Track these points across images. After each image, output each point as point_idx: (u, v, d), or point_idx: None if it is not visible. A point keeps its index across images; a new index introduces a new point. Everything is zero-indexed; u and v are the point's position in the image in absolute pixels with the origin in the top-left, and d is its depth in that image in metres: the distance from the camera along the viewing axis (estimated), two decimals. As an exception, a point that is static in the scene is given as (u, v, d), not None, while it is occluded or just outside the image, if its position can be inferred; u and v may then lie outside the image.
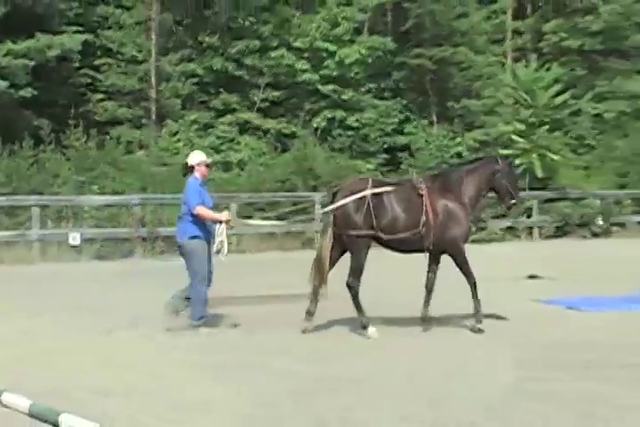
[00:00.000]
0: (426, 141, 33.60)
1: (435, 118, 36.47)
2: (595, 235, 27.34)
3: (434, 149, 32.88)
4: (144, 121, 32.01)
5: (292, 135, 32.83)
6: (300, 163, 27.88)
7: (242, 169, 30.28)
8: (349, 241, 10.65)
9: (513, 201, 11.54)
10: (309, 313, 10.88)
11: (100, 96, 31.90)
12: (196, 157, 11.02)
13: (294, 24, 34.23)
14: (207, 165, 11.04)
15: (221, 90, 33.50)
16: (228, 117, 32.97)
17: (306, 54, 33.80)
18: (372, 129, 34.31)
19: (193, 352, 9.51)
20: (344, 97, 33.72)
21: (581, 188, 28.85)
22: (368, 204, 10.52)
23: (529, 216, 27.41)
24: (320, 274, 10.76)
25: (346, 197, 10.62)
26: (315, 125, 33.50)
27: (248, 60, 33.24)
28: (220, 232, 10.82)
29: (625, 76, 37.09)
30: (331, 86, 33.64)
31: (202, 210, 10.65)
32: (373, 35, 35.58)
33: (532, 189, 27.86)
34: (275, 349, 9.70)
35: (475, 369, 8.71)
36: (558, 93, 30.46)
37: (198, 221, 10.69)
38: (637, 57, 38.15)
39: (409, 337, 10.50)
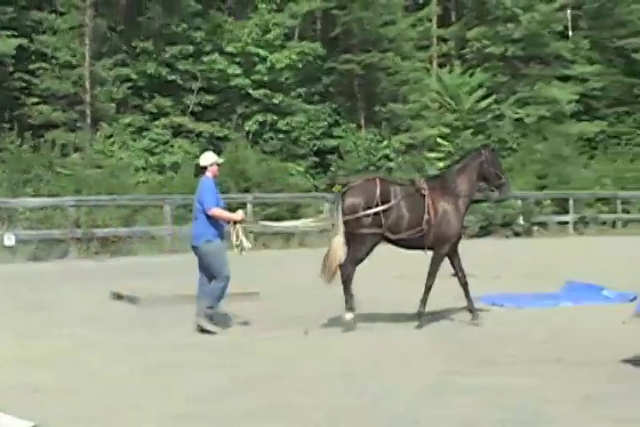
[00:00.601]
0: (354, 144, 34.28)
1: (363, 122, 37.20)
2: (516, 234, 28.11)
3: (362, 152, 33.59)
4: (79, 124, 32.19)
5: (225, 138, 33.29)
6: (233, 165, 28.25)
7: (175, 171, 30.63)
8: (358, 238, 10.86)
9: (502, 180, 11.88)
10: (350, 309, 10.93)
11: (34, 100, 32.03)
12: (209, 158, 10.91)
13: (226, 30, 34.76)
14: (218, 165, 11.01)
15: (155, 94, 33.89)
16: (162, 121, 33.38)
17: (238, 59, 34.34)
18: (302, 132, 34.90)
19: (132, 352, 9.51)
20: (275, 101, 34.30)
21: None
22: (377, 202, 10.78)
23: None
24: (330, 271, 10.89)
25: (355, 196, 10.85)
26: (247, 129, 34.02)
27: (181, 65, 33.72)
28: (237, 232, 10.88)
29: (545, 82, 38.31)
30: (262, 91, 34.22)
31: (217, 211, 10.65)
32: (304, 40, 36.30)
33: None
34: (207, 347, 9.76)
35: (401, 364, 8.90)
36: (482, 98, 31.41)
37: (213, 221, 10.67)
38: (557, 63, 39.40)
39: (339, 334, 10.66)
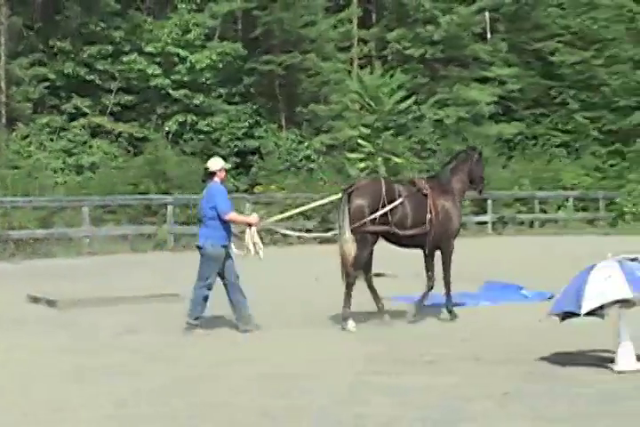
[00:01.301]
0: (275, 145, 34.31)
1: (284, 123, 37.20)
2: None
3: (283, 153, 33.63)
4: (-6, 124, 31.71)
5: (145, 139, 32.97)
6: (153, 166, 28.10)
7: (94, 172, 30.30)
8: (360, 236, 11.06)
9: (483, 182, 12.64)
10: (346, 306, 11.23)
11: (-52, 99, 31.46)
12: (218, 163, 11.06)
13: (146, 29, 34.45)
14: (225, 170, 11.21)
15: (73, 94, 33.42)
16: (80, 121, 32.95)
17: (158, 59, 34.05)
18: (222, 133, 34.75)
19: (57, 355, 9.43)
20: (195, 101, 34.10)
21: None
22: (383, 202, 11.08)
23: (374, 217, 28.35)
24: (350, 270, 11.15)
25: (361, 196, 11.12)
26: (167, 129, 33.78)
27: (100, 65, 33.33)
28: (252, 235, 11.00)
29: (464, 84, 38.75)
30: (182, 91, 33.99)
31: (233, 215, 10.89)
32: (224, 41, 36.10)
33: (376, 191, 28.77)
34: (133, 349, 9.72)
35: (323, 364, 9.00)
36: (402, 99, 31.61)
37: (225, 226, 10.79)
38: (475, 65, 39.89)
39: (268, 334, 10.75)
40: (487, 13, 40.46)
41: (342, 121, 34.08)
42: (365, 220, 10.99)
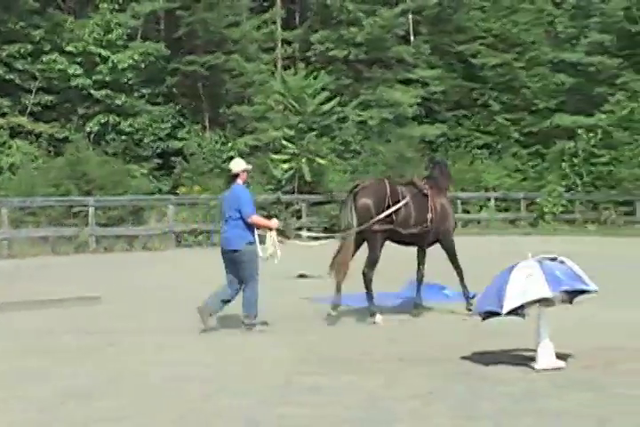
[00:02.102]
0: (199, 146, 34.09)
1: (207, 124, 37.04)
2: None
3: (207, 154, 33.45)
4: None
5: (66, 139, 32.51)
6: (74, 167, 27.74)
7: (13, 173, 29.78)
8: (369, 236, 11.50)
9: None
10: (335, 306, 11.66)
11: None
12: (240, 165, 11.17)
13: (67, 29, 33.97)
14: (247, 172, 11.29)
15: (-9, 93, 32.86)
16: (-1, 121, 32.42)
17: (79, 59, 33.57)
18: (145, 134, 34.43)
19: None
20: (117, 102, 33.70)
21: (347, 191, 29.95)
22: (388, 202, 11.50)
23: (299, 218, 28.39)
24: (343, 268, 11.57)
25: (367, 196, 11.48)
26: (88, 130, 33.32)
27: (19, 64, 32.77)
28: (272, 239, 11.04)
29: (387, 85, 38.98)
30: (104, 91, 33.57)
31: (256, 218, 10.95)
32: (147, 41, 35.77)
33: (300, 192, 28.83)
34: (55, 353, 9.62)
35: (249, 365, 9.01)
36: (325, 101, 31.67)
37: (250, 226, 10.87)
38: (399, 67, 40.15)
39: (196, 336, 10.79)
40: (410, 16, 40.78)
41: (266, 122, 34.02)
42: (374, 220, 11.38)
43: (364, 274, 11.70)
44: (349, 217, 11.55)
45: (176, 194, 29.10)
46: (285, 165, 29.20)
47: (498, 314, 8.59)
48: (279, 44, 40.40)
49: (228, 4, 37.12)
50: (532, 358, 8.65)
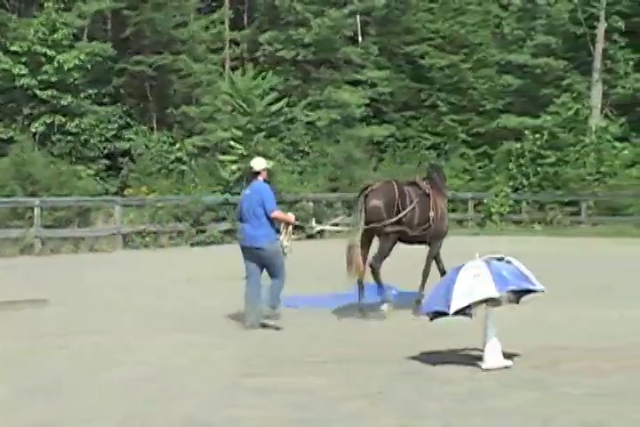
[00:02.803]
0: (146, 147, 33.88)
1: (155, 124, 36.82)
2: (309, 236, 28.46)
3: (154, 155, 33.25)
4: None
5: (10, 140, 32.01)
6: (19, 168, 27.35)
7: (-42, 175, 29.32)
8: (383, 237, 12.12)
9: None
10: (384, 301, 12.08)
11: None
12: (262, 163, 11.58)
13: (11, 28, 33.53)
14: (268, 170, 11.79)
15: None
16: (-59, 122, 31.93)
17: (24, 59, 33.12)
18: (92, 134, 34.07)
19: None
20: (63, 102, 33.29)
21: (295, 191, 29.98)
22: (397, 204, 12.04)
23: (247, 219, 28.27)
24: (357, 267, 11.87)
25: (377, 198, 11.99)
26: (33, 130, 32.89)
27: (-39, 64, 32.34)
28: (288, 233, 11.52)
29: (335, 86, 39.03)
30: (49, 91, 33.15)
31: (279, 213, 11.35)
32: (93, 41, 35.47)
33: (249, 193, 28.68)
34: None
35: (197, 366, 9.00)
36: (274, 101, 31.64)
37: (272, 223, 11.23)
38: (347, 68, 40.22)
39: (143, 338, 10.65)
40: (358, 17, 40.83)
41: (214, 123, 33.90)
42: (386, 222, 11.92)
43: (371, 266, 12.08)
44: (359, 218, 12.02)
45: (123, 195, 28.87)
46: (234, 166, 29.07)
47: (445, 314, 8.63)
48: (227, 45, 40.28)
49: (175, 5, 36.94)
50: (480, 358, 8.69)
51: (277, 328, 11.14)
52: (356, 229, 11.99)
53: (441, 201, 12.92)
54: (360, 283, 12.08)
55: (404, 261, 13.30)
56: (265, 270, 11.39)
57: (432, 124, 40.26)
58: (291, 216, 11.71)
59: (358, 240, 11.93)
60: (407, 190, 12.34)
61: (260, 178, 11.48)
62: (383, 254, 12.15)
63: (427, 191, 12.58)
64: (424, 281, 12.59)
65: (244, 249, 11.30)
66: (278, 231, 11.44)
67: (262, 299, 11.30)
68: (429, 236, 12.64)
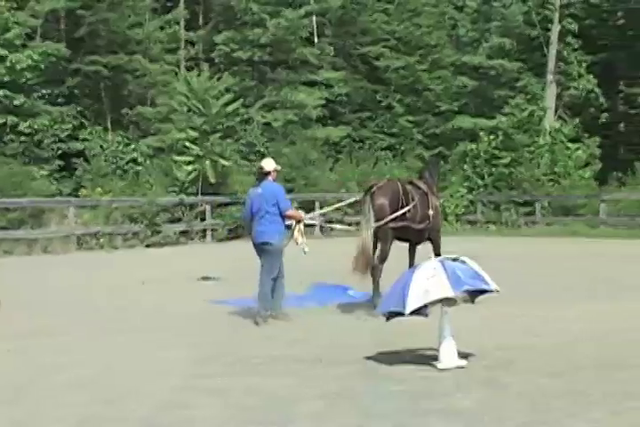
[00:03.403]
0: (101, 148, 33.58)
1: (110, 125, 36.53)
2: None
3: (109, 156, 32.98)
4: None
5: (-38, 141, 31.73)
6: (-29, 169, 27.10)
7: None
8: (382, 233, 12.37)
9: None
10: (377, 298, 12.00)
11: None
12: (271, 164, 11.99)
13: (-38, 27, 33.11)
14: (277, 171, 12.08)
15: None
16: None
17: (-26, 59, 32.77)
18: (45, 135, 33.71)
19: None
20: (16, 102, 32.89)
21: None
22: (402, 201, 12.46)
23: (202, 220, 28.19)
24: (366, 262, 12.15)
25: (385, 195, 12.39)
26: (-15, 131, 32.56)
27: None
28: (300, 230, 12.05)
29: (291, 87, 39.03)
30: (1, 91, 32.69)
31: (292, 211, 12.01)
32: (47, 40, 35.08)
33: (204, 194, 28.60)
34: None
35: (150, 367, 8.96)
36: (229, 102, 31.51)
37: (283, 220, 11.73)
38: (303, 69, 40.22)
39: (97, 340, 10.62)
40: (314, 17, 40.88)
41: (170, 123, 33.66)
42: (389, 218, 12.29)
43: (373, 268, 12.34)
44: (367, 216, 12.36)
45: (77, 196, 28.61)
46: (189, 167, 28.93)
47: (401, 314, 8.64)
48: (182, 45, 40.14)
49: (130, 4, 36.68)
50: (435, 358, 8.71)
51: (257, 323, 11.55)
52: (367, 228, 12.29)
53: (436, 200, 13.46)
54: (375, 281, 12.36)
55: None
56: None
57: (388, 125, 40.42)
58: (301, 213, 12.36)
59: (371, 239, 12.29)
60: (409, 189, 12.85)
61: (270, 178, 11.88)
62: (385, 254, 12.45)
63: (425, 191, 13.10)
64: None
65: (256, 246, 11.76)
66: (288, 227, 11.98)
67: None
68: (428, 233, 13.14)
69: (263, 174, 11.95)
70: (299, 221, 12.12)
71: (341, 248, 13.35)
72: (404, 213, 12.49)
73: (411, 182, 13.27)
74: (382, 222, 12.28)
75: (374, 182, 12.97)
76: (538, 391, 7.63)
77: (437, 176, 14.38)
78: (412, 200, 12.66)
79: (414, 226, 12.75)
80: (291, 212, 11.88)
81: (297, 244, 12.06)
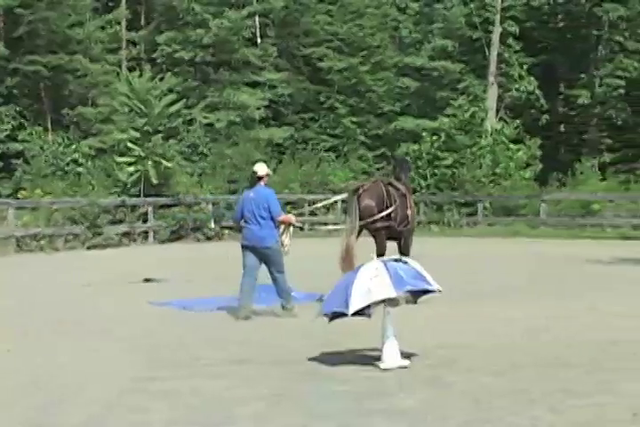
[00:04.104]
0: (41, 148, 33.21)
1: (50, 125, 36.15)
2: (208, 238, 28.33)
3: (50, 157, 32.62)
4: None
5: None
6: None
7: None
8: (376, 233, 13.25)
9: None
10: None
11: None
12: (264, 169, 12.37)
13: None
14: (268, 175, 12.48)
15: None
16: None
17: None
18: (-16, 136, 33.37)
19: None
20: (-47, 102, 32.56)
21: (194, 193, 29.81)
22: (386, 202, 13.15)
23: (145, 221, 27.94)
24: (350, 261, 12.65)
25: (371, 197, 13.13)
26: None
27: None
28: (289, 233, 12.50)
29: (234, 88, 38.94)
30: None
31: (284, 216, 12.45)
32: (-15, 40, 34.70)
33: (146, 195, 28.34)
34: None
35: (93, 371, 8.83)
36: (172, 103, 31.33)
37: (275, 224, 12.16)
38: (246, 70, 40.14)
39: (40, 343, 10.48)
40: (257, 18, 40.83)
41: (111, 124, 33.41)
42: (376, 217, 13.05)
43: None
44: (353, 216, 13.06)
45: (17, 197, 28.23)
46: (131, 168, 28.67)
47: (344, 315, 8.63)
48: (124, 45, 39.84)
49: (70, 4, 36.32)
50: (378, 358, 8.71)
51: (295, 316, 12.02)
52: (352, 227, 12.99)
53: (411, 200, 14.12)
54: None
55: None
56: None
57: (331, 126, 40.50)
58: (292, 218, 12.76)
59: (355, 237, 12.96)
60: (392, 191, 13.42)
61: (262, 182, 12.27)
62: (381, 252, 12.70)
63: (403, 192, 13.66)
64: None
65: (246, 248, 12.09)
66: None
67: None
68: (406, 231, 13.70)
69: (256, 179, 12.31)
70: (289, 225, 12.52)
71: (315, 249, 13.27)
72: (389, 214, 13.12)
73: (390, 184, 13.69)
74: (367, 221, 12.95)
75: (360, 184, 13.68)
76: (481, 390, 7.67)
77: (408, 176, 14.79)
78: (395, 202, 13.27)
79: (397, 227, 13.37)
80: (282, 217, 12.30)
81: (282, 245, 12.37)
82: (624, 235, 27.88)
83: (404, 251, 13.57)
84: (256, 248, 12.02)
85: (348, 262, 12.65)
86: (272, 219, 12.08)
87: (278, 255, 12.21)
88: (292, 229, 12.62)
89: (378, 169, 37.98)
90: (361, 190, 13.19)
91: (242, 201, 12.33)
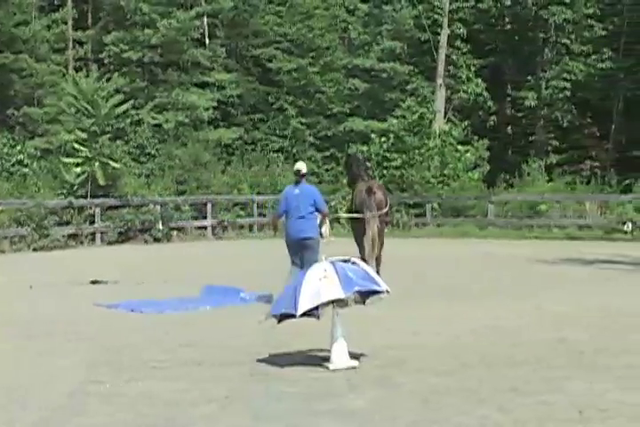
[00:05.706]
0: (-15, 149, 32.78)
1: (-6, 126, 35.72)
2: (156, 239, 28.17)
3: (-6, 158, 32.21)
4: None
5: None
6: None
7: None
8: (383, 226, 14.64)
9: None
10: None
11: None
12: (305, 167, 13.57)
13: None
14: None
15: None
16: None
17: None
18: None
19: None
20: None
21: (142, 195, 29.62)
22: (386, 198, 14.61)
23: (92, 222, 27.67)
24: (374, 249, 14.00)
25: (382, 193, 14.51)
26: None
27: None
28: (328, 226, 13.62)
29: (183, 89, 38.76)
30: None
31: (327, 211, 13.62)
32: None
33: (93, 196, 28.06)
34: None
35: (40, 374, 8.71)
36: (119, 103, 31.08)
37: (316, 218, 13.23)
38: (194, 70, 39.98)
39: None
40: (205, 19, 40.69)
41: (58, 125, 33.07)
42: (385, 210, 14.48)
43: (377, 259, 14.16)
44: (372, 209, 14.11)
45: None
46: (78, 169, 28.38)
47: (293, 316, 8.60)
48: (70, 45, 39.46)
49: (16, 2, 35.92)
50: (327, 359, 8.70)
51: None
52: (373, 215, 14.06)
53: (388, 199, 15.07)
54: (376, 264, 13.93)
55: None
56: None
57: (280, 127, 40.46)
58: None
59: (376, 228, 14.11)
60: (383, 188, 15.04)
61: (304, 180, 13.36)
62: (382, 242, 14.41)
63: (383, 191, 14.81)
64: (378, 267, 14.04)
65: (291, 242, 13.15)
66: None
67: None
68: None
69: (300, 176, 13.28)
70: (324, 218, 13.53)
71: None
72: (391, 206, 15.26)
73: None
74: (380, 213, 14.19)
75: (371, 184, 14.63)
76: (429, 390, 7.69)
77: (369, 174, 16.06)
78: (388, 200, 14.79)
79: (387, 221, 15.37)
80: (327, 212, 13.59)
81: (323, 237, 13.39)
82: (570, 235, 28.24)
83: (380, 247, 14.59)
84: (299, 240, 13.02)
85: (371, 251, 13.96)
86: (313, 213, 13.15)
87: (317, 246, 13.06)
88: (328, 222, 13.73)
89: (327, 170, 38.03)
90: (374, 188, 14.41)
91: (286, 198, 13.31)
